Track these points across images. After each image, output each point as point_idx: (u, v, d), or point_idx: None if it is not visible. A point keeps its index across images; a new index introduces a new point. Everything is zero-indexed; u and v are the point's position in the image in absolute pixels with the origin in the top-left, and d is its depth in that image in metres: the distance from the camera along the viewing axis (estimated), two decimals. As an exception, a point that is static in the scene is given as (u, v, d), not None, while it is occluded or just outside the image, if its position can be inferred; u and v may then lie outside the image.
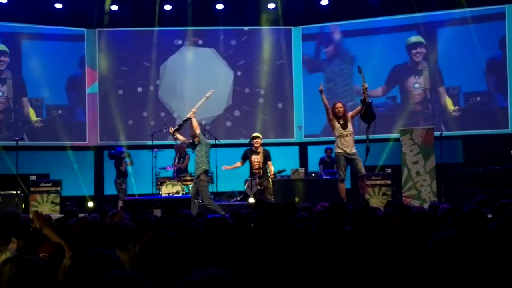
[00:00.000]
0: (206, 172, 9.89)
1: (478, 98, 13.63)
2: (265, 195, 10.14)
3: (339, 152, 9.62)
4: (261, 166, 10.29)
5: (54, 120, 14.22)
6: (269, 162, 10.30)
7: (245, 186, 10.65)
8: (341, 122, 9.58)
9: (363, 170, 9.61)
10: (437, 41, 13.92)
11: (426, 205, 9.43)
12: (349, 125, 9.60)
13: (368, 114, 9.47)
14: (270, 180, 10.35)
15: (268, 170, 10.28)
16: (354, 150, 9.58)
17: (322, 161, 13.40)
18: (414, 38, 14.18)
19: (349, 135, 9.56)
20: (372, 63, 13.51)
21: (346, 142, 9.55)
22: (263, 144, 10.43)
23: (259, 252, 3.22)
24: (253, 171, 10.33)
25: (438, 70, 13.93)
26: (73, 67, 14.58)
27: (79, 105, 14.61)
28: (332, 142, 13.73)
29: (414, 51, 14.14)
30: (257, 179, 10.22)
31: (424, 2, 13.67)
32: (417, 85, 14.07)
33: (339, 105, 9.71)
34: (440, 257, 2.42)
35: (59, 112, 14.38)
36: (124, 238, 3.96)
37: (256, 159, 10.26)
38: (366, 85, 9.48)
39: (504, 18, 13.44)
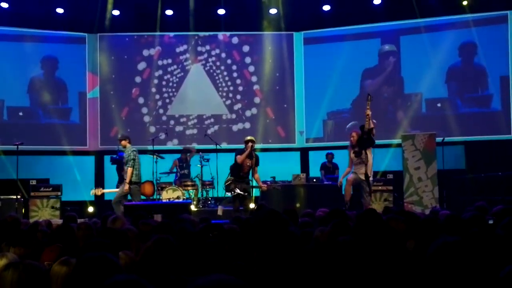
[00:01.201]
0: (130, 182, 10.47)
1: (438, 104, 13.96)
2: (246, 203, 10.05)
3: (353, 175, 9.80)
4: (249, 170, 10.22)
5: (54, 124, 14.20)
6: (256, 168, 10.22)
7: (228, 183, 10.22)
8: (356, 150, 9.74)
9: (365, 201, 9.66)
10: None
11: (427, 211, 9.39)
12: (363, 151, 9.65)
13: (363, 140, 9.56)
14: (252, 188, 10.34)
15: (254, 177, 10.23)
16: (363, 178, 9.60)
17: (323, 167, 13.36)
18: (388, 47, 14.36)
19: (361, 162, 9.65)
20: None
21: (358, 170, 9.73)
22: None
23: (259, 259, 3.19)
24: (241, 174, 10.17)
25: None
26: (73, 72, 14.57)
27: (80, 109, 14.61)
28: (334, 148, 13.85)
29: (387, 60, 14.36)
30: (244, 185, 10.08)
31: (427, 7, 13.66)
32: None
33: (352, 134, 9.93)
34: (441, 262, 2.40)
35: (59, 116, 14.38)
36: (126, 243, 3.92)
37: (249, 163, 10.14)
38: (368, 112, 9.53)
39: (465, 27, 13.62)
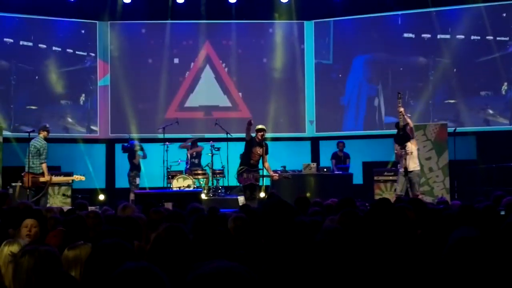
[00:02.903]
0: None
1: (450, 92, 13.81)
2: (256, 192, 10.07)
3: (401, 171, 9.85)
4: (259, 159, 10.20)
5: (65, 110, 14.25)
6: (265, 157, 10.18)
7: (241, 172, 10.13)
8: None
9: (416, 191, 9.68)
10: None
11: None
12: (409, 144, 9.72)
13: (399, 137, 9.62)
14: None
15: (264, 165, 10.20)
16: (410, 169, 9.69)
17: (334, 156, 13.31)
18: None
19: (405, 154, 9.73)
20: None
21: (402, 161, 9.78)
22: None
23: (266, 247, 3.19)
24: (251, 162, 10.12)
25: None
26: (84, 59, 14.58)
27: (91, 97, 14.63)
28: (345, 137, 13.79)
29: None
30: (256, 174, 10.07)
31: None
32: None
33: None
34: (460, 257, 2.37)
35: (70, 104, 14.42)
36: (137, 231, 3.94)
37: (259, 151, 10.12)
38: (401, 109, 9.56)
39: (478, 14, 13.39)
